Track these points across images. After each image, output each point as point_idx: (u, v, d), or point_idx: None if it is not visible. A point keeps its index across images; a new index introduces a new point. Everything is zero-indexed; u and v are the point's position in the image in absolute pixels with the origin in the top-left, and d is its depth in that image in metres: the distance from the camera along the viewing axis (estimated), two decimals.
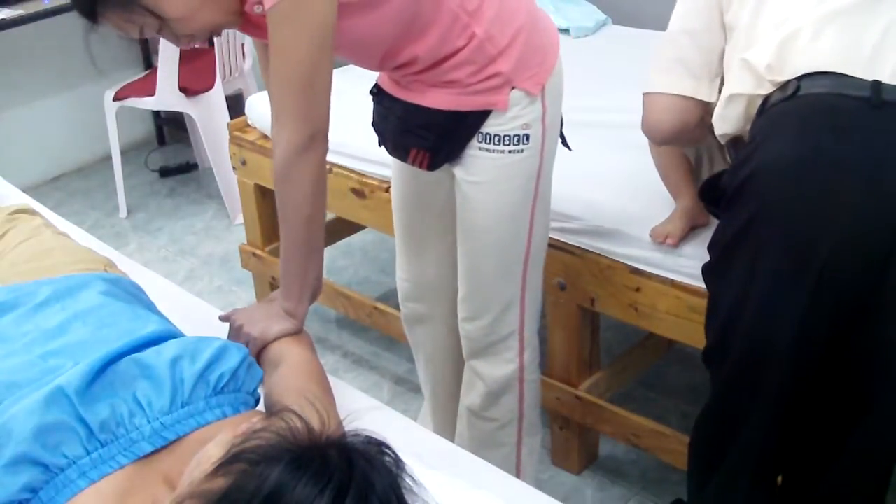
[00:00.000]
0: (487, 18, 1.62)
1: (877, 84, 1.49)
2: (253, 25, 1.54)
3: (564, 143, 1.87)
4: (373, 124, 1.86)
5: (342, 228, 3.01)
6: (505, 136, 1.69)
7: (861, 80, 1.51)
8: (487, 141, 1.70)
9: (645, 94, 1.82)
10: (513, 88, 1.67)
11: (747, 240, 1.54)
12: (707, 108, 1.77)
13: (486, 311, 1.85)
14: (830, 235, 1.46)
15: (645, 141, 1.97)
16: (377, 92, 1.82)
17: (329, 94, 1.50)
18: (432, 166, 1.76)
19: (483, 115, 1.68)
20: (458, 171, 1.76)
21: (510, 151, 1.70)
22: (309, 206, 1.51)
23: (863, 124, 1.49)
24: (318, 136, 1.48)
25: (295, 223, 1.53)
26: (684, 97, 1.76)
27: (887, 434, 1.61)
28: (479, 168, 1.73)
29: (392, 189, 2.01)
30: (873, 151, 1.46)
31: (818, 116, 1.52)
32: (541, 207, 1.80)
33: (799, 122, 1.53)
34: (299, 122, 1.46)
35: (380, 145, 1.88)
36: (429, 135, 1.72)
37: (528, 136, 1.70)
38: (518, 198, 1.75)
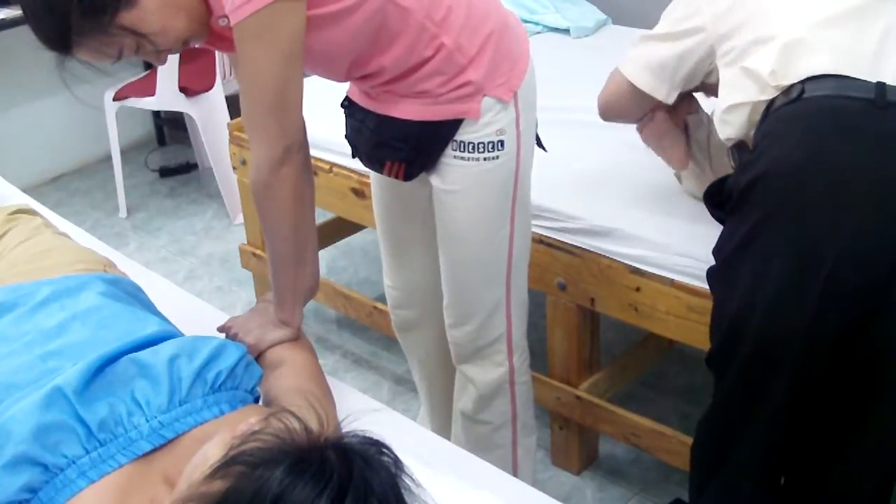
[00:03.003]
0: (455, 28, 1.60)
1: (881, 86, 1.50)
2: (219, 38, 1.52)
3: (540, 144, 1.86)
4: (346, 137, 1.84)
5: (342, 228, 3.01)
6: (479, 143, 1.68)
7: (865, 81, 1.51)
8: (462, 149, 1.68)
9: (614, 71, 1.94)
10: (484, 96, 1.65)
11: (755, 244, 1.53)
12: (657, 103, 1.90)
13: (471, 316, 1.85)
14: (837, 239, 1.45)
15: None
16: (348, 105, 1.80)
17: (301, 106, 1.49)
18: (408, 177, 1.75)
19: (456, 124, 1.67)
20: (435, 180, 1.75)
21: (485, 158, 1.69)
22: (292, 218, 1.51)
23: (867, 126, 1.49)
24: (293, 148, 1.47)
25: (280, 236, 1.53)
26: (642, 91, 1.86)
27: (891, 436, 1.61)
28: (455, 176, 1.71)
29: (373, 199, 2.00)
30: (878, 153, 1.47)
31: (823, 119, 1.52)
32: (520, 211, 1.78)
33: (804, 125, 1.54)
34: (273, 139, 1.45)
35: (353, 157, 1.87)
36: (403, 146, 1.70)
37: (502, 143, 1.69)
38: (496, 204, 1.74)
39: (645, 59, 1.86)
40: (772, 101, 1.61)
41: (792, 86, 1.57)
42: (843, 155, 1.48)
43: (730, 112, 1.67)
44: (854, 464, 1.64)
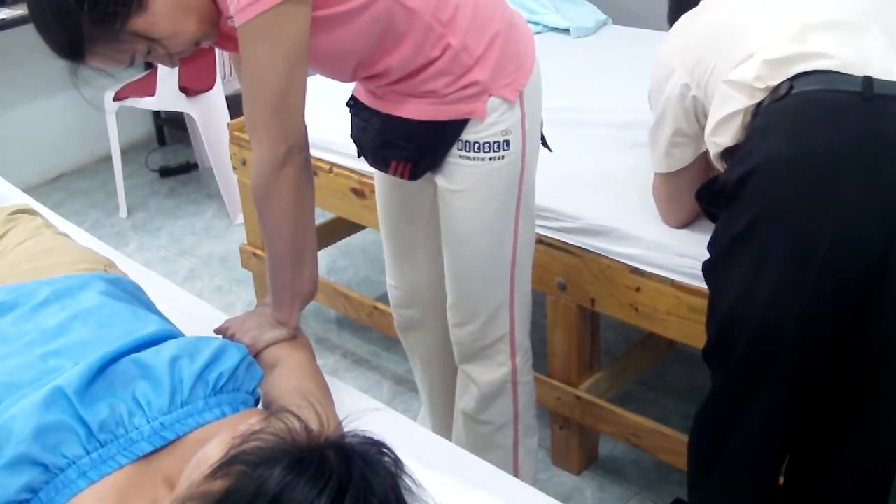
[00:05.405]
0: (462, 28, 1.60)
1: (868, 79, 1.52)
2: (227, 39, 1.53)
3: (545, 144, 1.86)
4: (351, 136, 1.84)
5: (342, 228, 3.01)
6: (485, 143, 1.68)
7: (852, 76, 1.53)
8: (468, 149, 1.68)
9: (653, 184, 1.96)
10: (490, 96, 1.65)
11: (751, 238, 1.54)
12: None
13: (475, 316, 1.85)
14: (829, 228, 1.47)
15: (644, 140, 1.99)
16: (354, 104, 1.80)
17: (304, 108, 1.49)
18: (414, 176, 1.75)
19: (462, 124, 1.67)
20: (440, 180, 1.75)
21: (491, 158, 1.69)
22: (292, 220, 1.50)
23: (855, 116, 1.51)
24: (294, 150, 1.47)
25: (279, 238, 1.53)
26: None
27: (887, 434, 1.62)
28: (460, 176, 1.71)
29: (377, 198, 2.00)
30: (868, 144, 1.49)
31: (813, 111, 1.55)
32: (525, 212, 1.79)
33: (795, 118, 1.56)
34: (275, 140, 1.45)
35: (359, 157, 1.86)
36: (408, 145, 1.70)
37: (507, 143, 1.69)
38: (501, 204, 1.74)
39: (662, 146, 1.88)
40: (761, 101, 1.63)
41: (780, 84, 1.60)
42: (833, 147, 1.50)
43: (722, 125, 1.68)
44: (851, 461, 1.64)
